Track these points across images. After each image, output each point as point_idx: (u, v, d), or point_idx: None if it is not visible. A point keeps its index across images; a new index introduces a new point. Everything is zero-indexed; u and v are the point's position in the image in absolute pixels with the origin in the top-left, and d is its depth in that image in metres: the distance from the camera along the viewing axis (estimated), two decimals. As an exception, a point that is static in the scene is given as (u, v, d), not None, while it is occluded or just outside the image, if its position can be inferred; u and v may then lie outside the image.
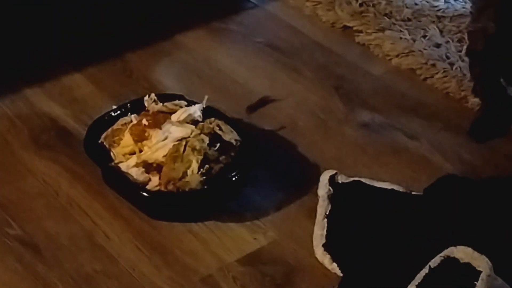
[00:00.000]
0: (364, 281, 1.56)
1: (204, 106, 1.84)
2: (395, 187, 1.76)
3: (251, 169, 1.79)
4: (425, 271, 1.48)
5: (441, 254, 1.50)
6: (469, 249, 1.48)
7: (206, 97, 1.85)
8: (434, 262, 1.49)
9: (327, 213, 1.70)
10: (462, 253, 1.48)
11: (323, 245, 1.64)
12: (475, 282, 1.41)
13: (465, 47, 2.17)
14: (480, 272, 1.43)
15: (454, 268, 1.47)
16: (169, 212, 1.73)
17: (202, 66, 2.17)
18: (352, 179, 1.78)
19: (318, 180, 1.78)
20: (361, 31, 2.28)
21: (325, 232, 1.67)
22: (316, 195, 1.75)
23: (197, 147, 1.72)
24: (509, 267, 1.50)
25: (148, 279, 1.60)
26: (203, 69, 2.16)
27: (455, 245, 1.50)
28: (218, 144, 1.74)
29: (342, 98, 2.08)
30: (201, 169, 1.70)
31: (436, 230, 1.63)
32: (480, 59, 1.88)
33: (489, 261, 1.45)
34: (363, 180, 1.78)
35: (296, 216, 1.74)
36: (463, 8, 2.33)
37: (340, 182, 1.77)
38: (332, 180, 1.77)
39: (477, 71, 1.92)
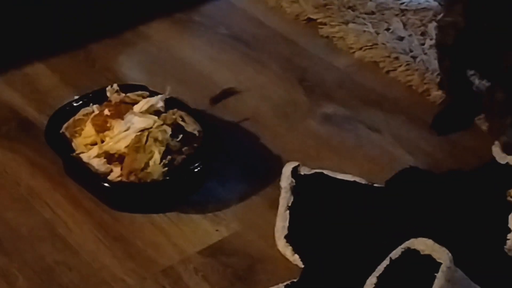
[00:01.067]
0: (325, 273, 1.56)
1: (167, 97, 1.83)
2: (357, 179, 1.76)
3: (214, 161, 1.79)
4: (386, 262, 1.49)
5: (402, 246, 1.50)
6: (430, 241, 1.49)
7: (168, 87, 1.85)
8: (395, 253, 1.50)
9: (290, 204, 1.71)
10: (422, 245, 1.49)
11: (285, 237, 1.64)
12: (435, 274, 1.42)
13: (428, 40, 2.20)
14: (440, 264, 1.44)
15: (415, 259, 1.48)
16: (131, 203, 1.72)
17: (166, 57, 2.16)
18: (314, 171, 1.79)
19: (281, 172, 1.78)
20: (325, 24, 2.28)
21: (287, 224, 1.67)
22: (279, 186, 1.75)
23: (160, 138, 1.71)
24: (469, 259, 1.52)
25: (109, 270, 1.59)
26: (167, 60, 2.15)
27: (416, 237, 1.51)
28: (181, 135, 1.74)
29: (306, 90, 2.08)
30: (163, 160, 1.69)
31: (397, 222, 1.64)
32: (450, 53, 1.89)
33: (449, 253, 1.46)
34: (325, 172, 1.79)
35: (258, 208, 1.74)
36: (426, 1, 2.35)
37: (302, 174, 1.78)
38: (294, 171, 1.77)
39: (446, 65, 1.94)
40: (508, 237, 1.55)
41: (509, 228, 1.56)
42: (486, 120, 1.91)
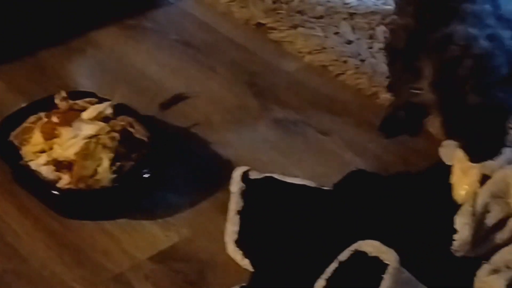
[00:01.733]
0: (274, 276, 1.57)
1: (116, 103, 1.83)
2: (307, 183, 1.78)
3: (164, 166, 1.79)
4: (334, 265, 1.50)
5: (350, 248, 1.52)
6: (377, 243, 1.51)
7: (117, 94, 1.84)
8: (343, 256, 1.51)
9: (239, 209, 1.71)
10: (370, 246, 1.51)
11: (235, 241, 1.65)
12: (382, 275, 1.44)
13: (376, 43, 2.22)
14: (387, 265, 1.46)
15: (363, 261, 1.49)
16: (80, 210, 1.71)
17: (115, 64, 2.16)
18: (264, 175, 1.79)
19: (231, 177, 1.78)
20: (274, 28, 2.29)
21: (237, 228, 1.68)
22: (229, 191, 1.76)
23: (108, 145, 1.71)
24: (416, 259, 1.54)
25: (59, 278, 1.59)
26: (116, 67, 2.15)
27: (364, 239, 1.53)
28: (130, 142, 1.74)
29: (256, 95, 2.09)
30: (112, 167, 1.69)
31: (345, 224, 1.66)
32: (401, 56, 1.91)
33: (396, 254, 1.48)
34: (275, 176, 1.79)
35: (209, 213, 1.75)
36: (375, 5, 2.37)
37: (252, 178, 1.78)
38: (244, 176, 1.78)
39: (397, 68, 1.95)
40: (454, 238, 1.57)
41: (455, 229, 1.58)
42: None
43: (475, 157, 1.66)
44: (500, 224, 1.59)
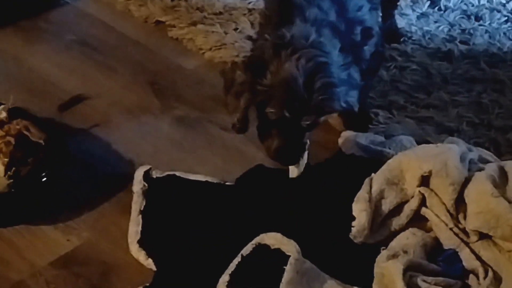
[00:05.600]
0: (178, 274, 1.56)
1: (10, 107, 1.78)
2: (209, 179, 1.77)
3: (63, 169, 1.75)
4: (238, 259, 1.51)
5: (253, 242, 1.52)
6: (279, 235, 1.51)
7: (11, 97, 1.80)
8: (246, 250, 1.52)
9: (142, 208, 1.69)
10: (272, 239, 1.51)
11: (138, 242, 1.63)
12: (284, 267, 1.45)
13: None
14: (289, 256, 1.47)
15: (265, 254, 1.50)
16: (-24, 219, 1.67)
17: (11, 66, 2.11)
18: (166, 173, 1.78)
19: (133, 177, 1.76)
20: (174, 26, 2.28)
21: (140, 228, 1.66)
22: (131, 191, 1.74)
23: (3, 150, 1.67)
24: (318, 249, 1.55)
25: (-45, 291, 1.55)
26: (12, 69, 2.10)
27: (266, 232, 1.53)
28: (26, 145, 1.70)
29: (157, 93, 2.07)
30: (8, 172, 1.65)
31: (248, 218, 1.66)
32: None
33: (297, 246, 1.49)
34: (177, 173, 1.78)
35: (111, 214, 1.72)
36: (273, 0, 2.37)
37: (154, 177, 1.77)
38: (146, 175, 1.76)
39: None
40: (352, 225, 1.59)
41: (354, 216, 1.59)
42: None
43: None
44: (397, 210, 1.62)
